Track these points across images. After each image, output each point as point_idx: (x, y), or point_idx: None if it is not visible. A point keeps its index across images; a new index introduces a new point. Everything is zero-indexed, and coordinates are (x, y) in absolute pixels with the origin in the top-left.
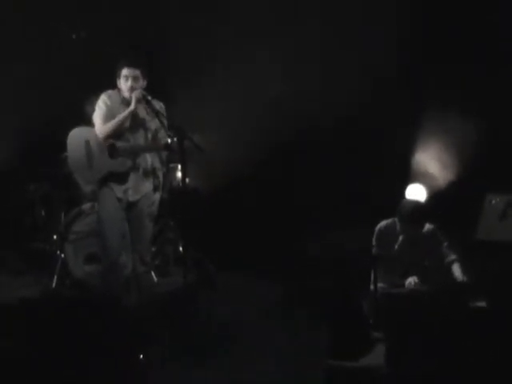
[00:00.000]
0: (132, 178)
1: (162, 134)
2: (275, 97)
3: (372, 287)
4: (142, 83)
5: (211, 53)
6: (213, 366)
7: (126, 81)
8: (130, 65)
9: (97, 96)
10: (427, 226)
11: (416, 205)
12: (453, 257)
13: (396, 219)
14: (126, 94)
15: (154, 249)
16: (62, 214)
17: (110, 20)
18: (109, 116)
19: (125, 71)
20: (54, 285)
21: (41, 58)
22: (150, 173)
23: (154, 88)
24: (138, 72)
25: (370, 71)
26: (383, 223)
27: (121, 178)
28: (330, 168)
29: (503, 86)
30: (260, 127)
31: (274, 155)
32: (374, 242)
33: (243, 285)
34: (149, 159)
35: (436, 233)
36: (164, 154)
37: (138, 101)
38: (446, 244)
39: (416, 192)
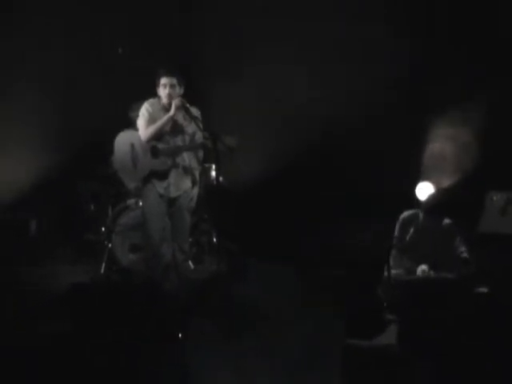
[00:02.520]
0: (172, 175)
1: (198, 136)
2: (303, 101)
3: (386, 274)
4: (179, 90)
5: (244, 58)
6: (243, 342)
7: (164, 88)
8: (167, 74)
9: (139, 103)
10: (445, 221)
11: (440, 199)
12: (463, 249)
13: (419, 210)
14: (165, 100)
15: (190, 239)
16: (110, 209)
17: (148, 34)
18: (151, 121)
19: (163, 80)
20: (102, 271)
21: (91, 71)
22: (188, 171)
23: (190, 93)
24: (174, 80)
25: (383, 77)
26: (406, 213)
27: (162, 175)
28: (350, 168)
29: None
30: (288, 130)
31: (301, 155)
32: (396, 230)
33: (270, 271)
34: (186, 159)
35: (452, 227)
36: (200, 154)
37: (178, 108)
38: (459, 238)
39: (425, 189)
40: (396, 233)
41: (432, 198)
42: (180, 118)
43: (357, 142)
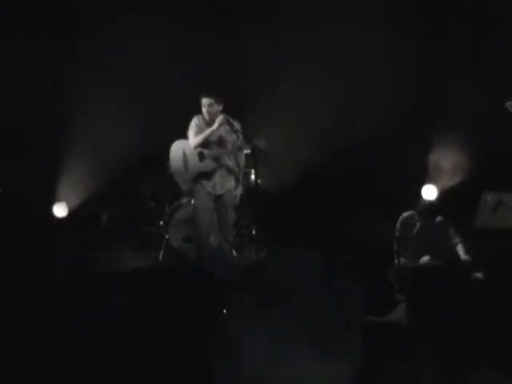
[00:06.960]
0: (218, 176)
1: (238, 145)
2: (332, 113)
3: (396, 261)
4: (218, 108)
5: (280, 76)
6: (276, 316)
7: (204, 107)
8: (205, 95)
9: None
10: (438, 218)
11: (430, 204)
12: (457, 239)
13: (414, 212)
14: (207, 117)
15: (234, 231)
16: (167, 206)
17: (198, 59)
18: (198, 132)
19: (204, 100)
20: (160, 257)
21: (156, 92)
22: (231, 172)
23: (232, 107)
24: (212, 100)
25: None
26: (405, 214)
27: (209, 176)
28: (366, 172)
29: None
30: (318, 138)
31: (326, 162)
32: (397, 227)
33: (300, 258)
34: (229, 163)
35: (445, 223)
36: (241, 160)
37: (221, 124)
38: (452, 230)
39: (429, 191)
40: (397, 229)
41: (424, 205)
42: (223, 130)
43: (373, 146)
